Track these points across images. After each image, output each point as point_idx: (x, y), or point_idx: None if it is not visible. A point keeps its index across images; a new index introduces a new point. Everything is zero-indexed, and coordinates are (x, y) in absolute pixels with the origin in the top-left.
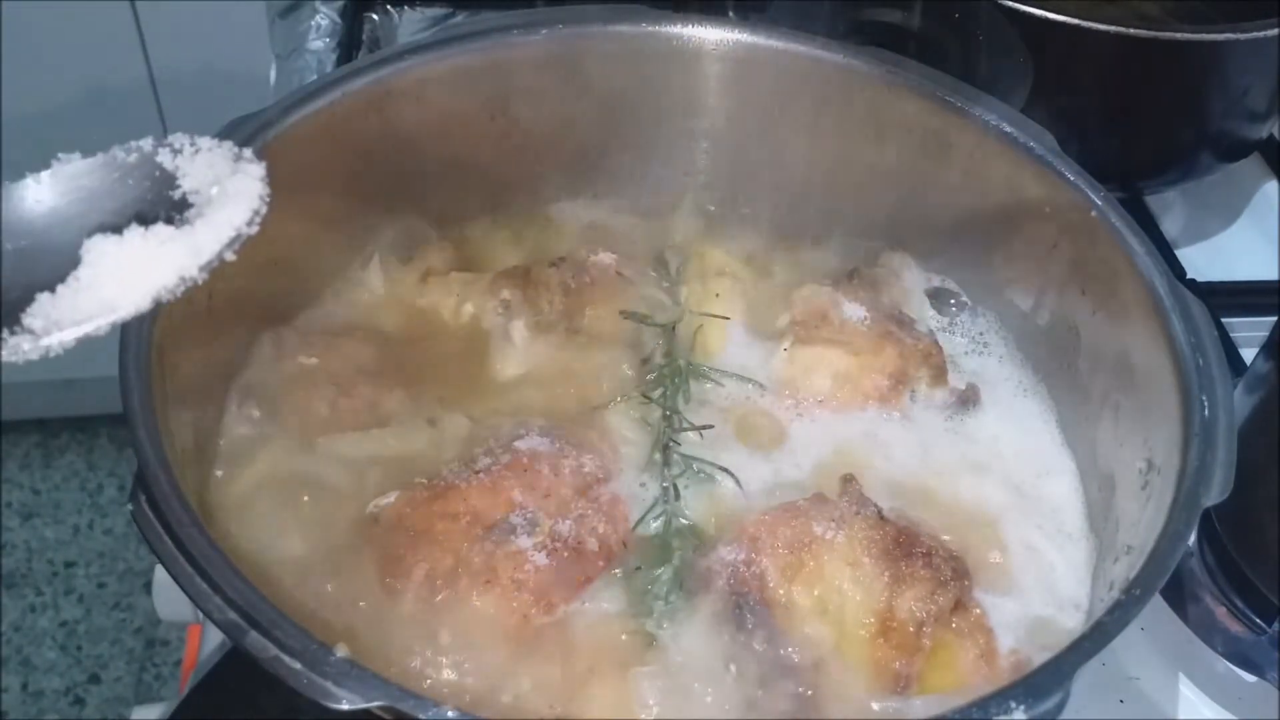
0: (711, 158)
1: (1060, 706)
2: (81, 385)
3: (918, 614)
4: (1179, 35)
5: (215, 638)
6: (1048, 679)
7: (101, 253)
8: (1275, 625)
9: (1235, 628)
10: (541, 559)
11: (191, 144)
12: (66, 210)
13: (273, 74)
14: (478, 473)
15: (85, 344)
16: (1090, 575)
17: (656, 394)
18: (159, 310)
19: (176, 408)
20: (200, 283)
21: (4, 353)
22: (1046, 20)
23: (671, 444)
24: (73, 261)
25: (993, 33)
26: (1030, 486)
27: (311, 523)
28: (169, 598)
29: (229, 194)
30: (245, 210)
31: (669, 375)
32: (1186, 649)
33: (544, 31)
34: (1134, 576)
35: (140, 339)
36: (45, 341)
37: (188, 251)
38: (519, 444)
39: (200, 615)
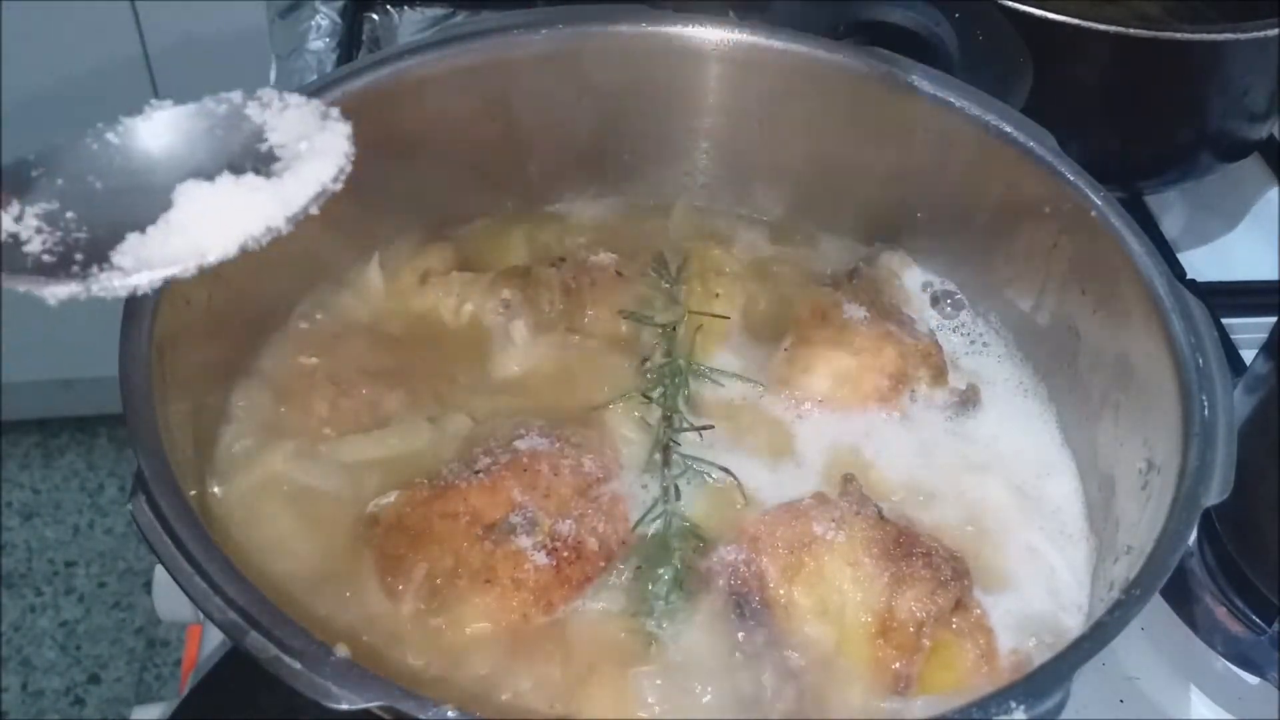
0: (711, 158)
1: (1060, 706)
2: (81, 385)
3: (918, 614)
4: (1179, 35)
5: (215, 638)
6: (1048, 679)
7: (193, 197)
8: (1275, 625)
9: (1235, 628)
10: (541, 558)
11: (280, 99)
12: (159, 154)
13: (273, 74)
14: (478, 472)
15: (85, 344)
16: (1090, 575)
17: (656, 394)
18: (160, 310)
19: (177, 407)
20: (284, 233)
21: (94, 288)
22: (1046, 20)
23: (671, 444)
24: (164, 204)
25: (993, 33)
26: (1030, 486)
27: (312, 523)
28: (169, 598)
29: (316, 150)
30: (332, 166)
31: (669, 375)
32: (1186, 649)
33: (544, 31)
34: (1134, 576)
35: (140, 338)
36: (133, 280)
37: (276, 202)
38: (519, 444)
39: (200, 615)
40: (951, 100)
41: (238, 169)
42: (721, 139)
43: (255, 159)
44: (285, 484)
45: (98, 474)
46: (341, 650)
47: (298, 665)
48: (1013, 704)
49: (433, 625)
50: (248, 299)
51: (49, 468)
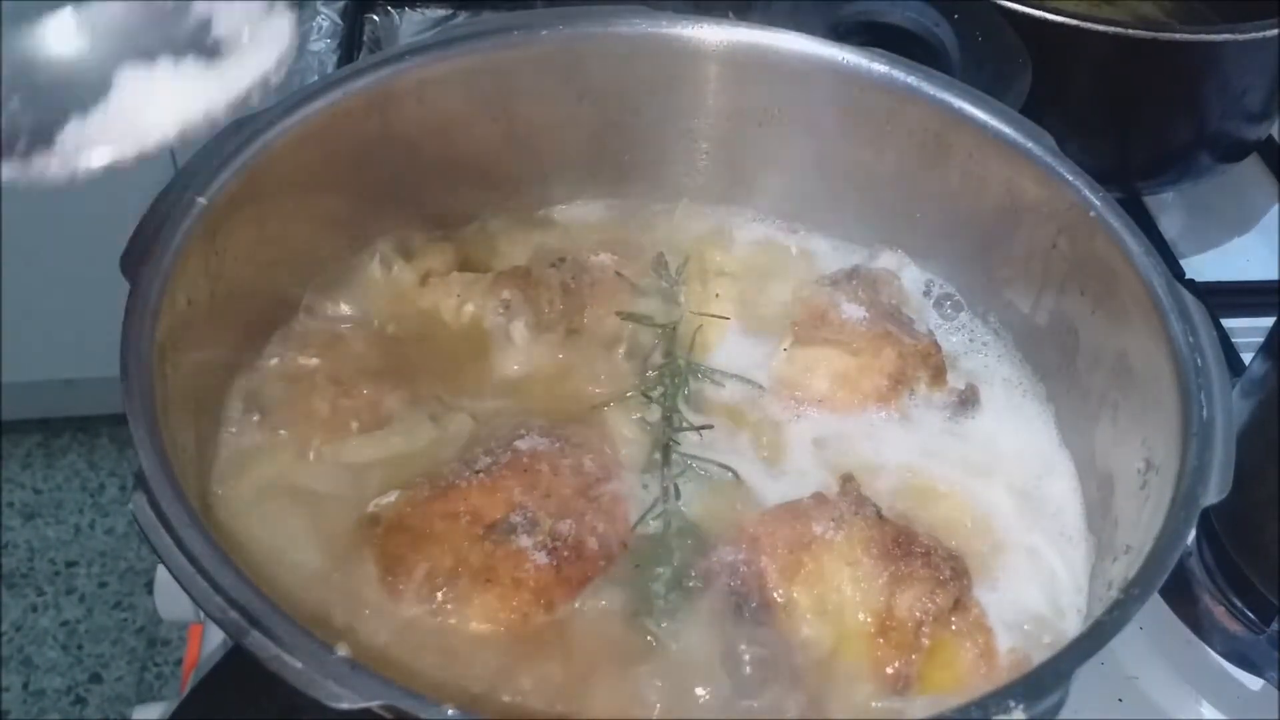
0: (711, 158)
1: (1059, 706)
2: (83, 385)
3: (917, 613)
4: (1178, 36)
5: (216, 637)
6: (1047, 678)
7: (132, 80)
8: (1274, 625)
9: (1234, 627)
10: (542, 558)
11: None
12: (98, 44)
13: None
14: (478, 472)
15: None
16: (1089, 575)
17: (656, 394)
18: (161, 310)
19: (177, 408)
20: (223, 122)
21: (35, 170)
22: (1046, 21)
23: (671, 444)
24: (104, 88)
25: (992, 33)
26: (1029, 486)
27: (312, 522)
28: (170, 597)
29: (259, 40)
30: (273, 56)
31: (669, 375)
32: (1185, 649)
33: (544, 32)
34: (1133, 576)
35: (141, 338)
36: (75, 162)
37: (217, 88)
38: (519, 444)
39: (201, 615)
40: (951, 101)
41: (179, 55)
42: (721, 139)
43: (200, 49)
44: (286, 483)
45: (99, 474)
46: (342, 649)
47: (299, 664)
48: (1012, 703)
49: (433, 624)
50: (248, 299)
51: (50, 467)
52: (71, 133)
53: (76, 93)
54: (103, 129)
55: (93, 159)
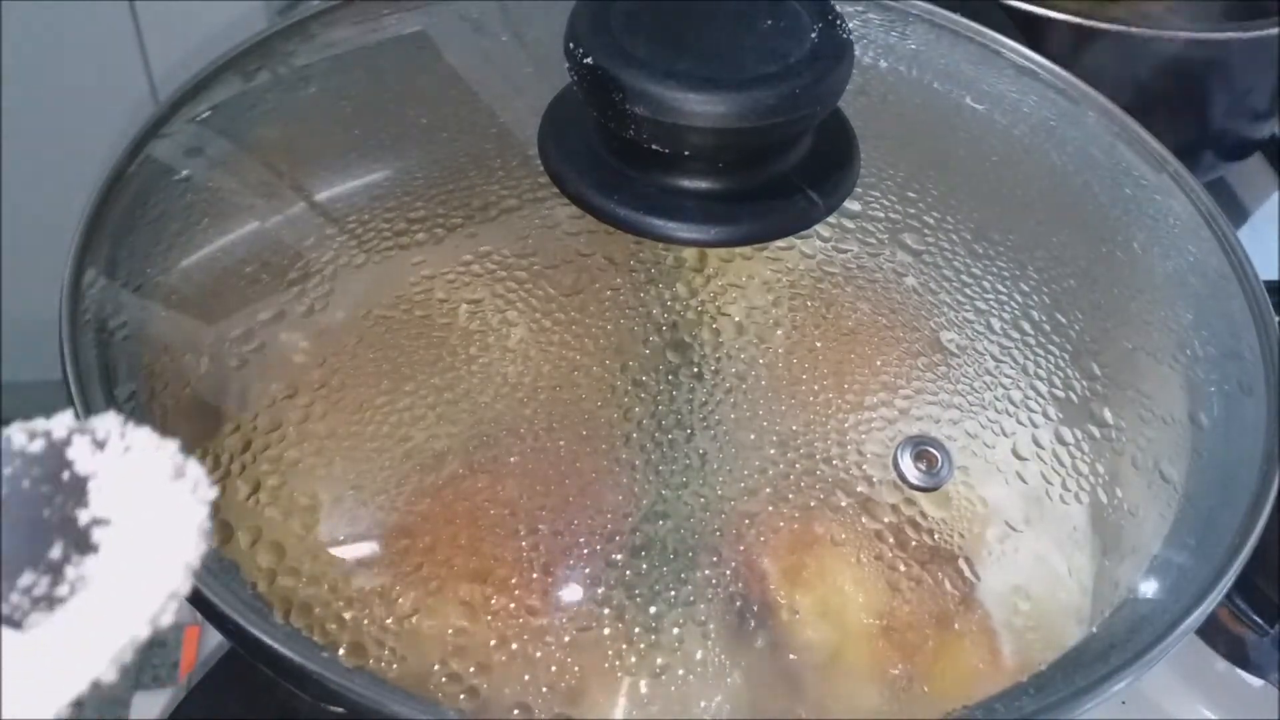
0: None
1: (1063, 706)
2: None
3: (920, 615)
4: (1181, 34)
5: (214, 639)
6: (1052, 679)
7: None
8: (1277, 626)
9: (1237, 628)
10: (541, 558)
11: (121, 435)
12: None
13: None
14: (478, 471)
15: None
16: (1094, 575)
17: (657, 391)
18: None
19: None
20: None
21: None
22: (1048, 19)
23: (672, 442)
24: None
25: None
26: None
27: (312, 521)
28: None
29: (147, 538)
30: (165, 583)
31: (670, 371)
32: (1187, 649)
33: None
34: (1139, 577)
35: None
36: None
37: (52, 668)
38: (519, 442)
39: (198, 616)
40: None
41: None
42: None
43: (67, 544)
44: (286, 483)
45: None
46: (341, 650)
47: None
48: (1016, 705)
49: (431, 624)
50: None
51: None
52: None
53: None
54: None
55: None
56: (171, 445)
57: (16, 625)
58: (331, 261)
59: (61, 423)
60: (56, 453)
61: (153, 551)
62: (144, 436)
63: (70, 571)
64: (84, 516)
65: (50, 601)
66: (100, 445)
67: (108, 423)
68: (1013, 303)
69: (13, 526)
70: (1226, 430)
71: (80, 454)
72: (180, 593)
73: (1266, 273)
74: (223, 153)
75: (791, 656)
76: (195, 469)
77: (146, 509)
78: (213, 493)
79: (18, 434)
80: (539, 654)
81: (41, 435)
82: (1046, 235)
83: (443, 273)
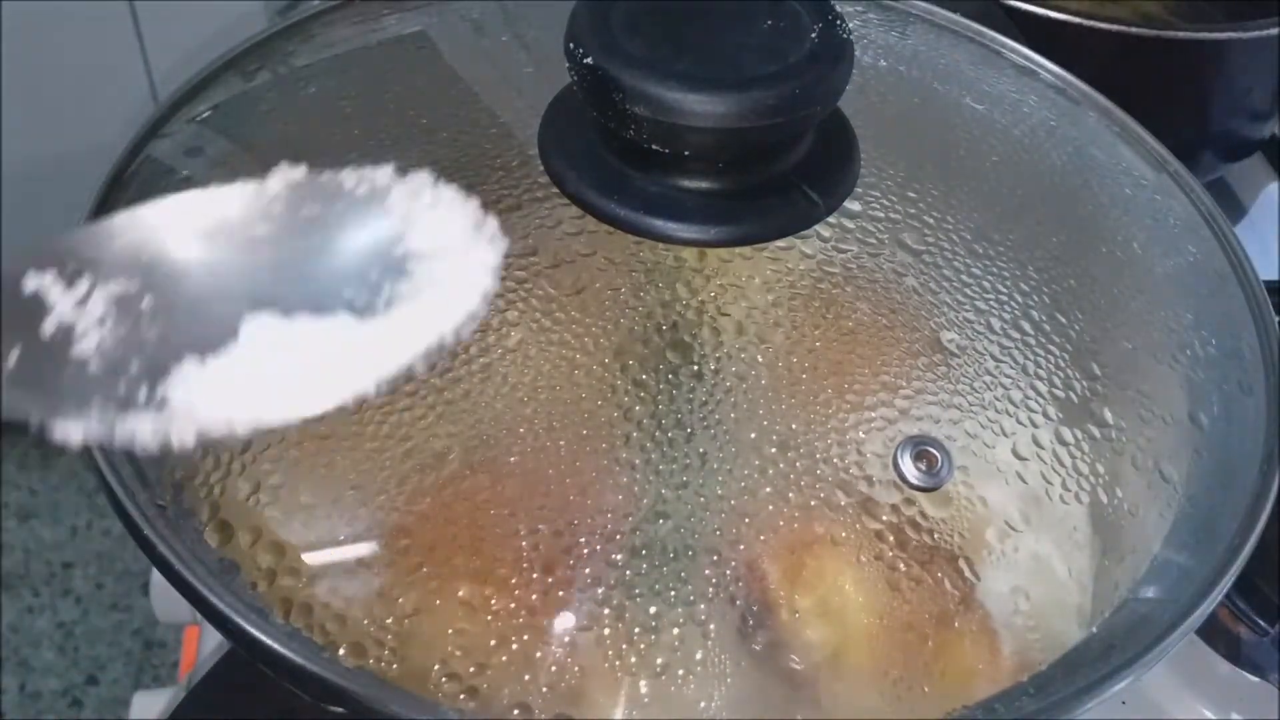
0: None
1: (1063, 706)
2: None
3: (920, 615)
4: (1181, 34)
5: (213, 639)
6: (1052, 679)
7: (258, 337)
8: (1277, 626)
9: (1237, 629)
10: (540, 558)
11: (433, 189)
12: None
13: None
14: (478, 471)
15: None
16: (1094, 575)
17: (657, 391)
18: None
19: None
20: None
21: (120, 429)
22: (1049, 19)
23: (672, 442)
24: (233, 331)
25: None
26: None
27: (310, 521)
28: (166, 599)
29: (446, 277)
30: (460, 306)
31: (671, 371)
32: (1187, 649)
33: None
34: (1139, 576)
35: None
36: (163, 433)
37: (365, 357)
38: (519, 443)
39: (198, 616)
40: None
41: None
42: None
43: (379, 278)
44: (286, 481)
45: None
46: (341, 650)
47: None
48: (1016, 704)
49: (431, 624)
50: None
51: (47, 469)
52: (177, 388)
53: (203, 331)
54: (207, 396)
55: (183, 435)
56: (473, 202)
57: (357, 312)
58: None
59: (384, 173)
60: (379, 199)
61: (455, 279)
62: (449, 193)
63: (387, 289)
64: (400, 249)
65: (374, 308)
66: (414, 195)
67: (422, 179)
68: (1013, 303)
69: (340, 254)
70: (1226, 430)
71: (397, 201)
72: (478, 314)
73: (1266, 272)
74: (223, 153)
75: (791, 656)
76: (491, 224)
77: (450, 249)
78: (505, 242)
79: (348, 178)
80: (539, 654)
81: (367, 183)
82: (1046, 235)
83: None
